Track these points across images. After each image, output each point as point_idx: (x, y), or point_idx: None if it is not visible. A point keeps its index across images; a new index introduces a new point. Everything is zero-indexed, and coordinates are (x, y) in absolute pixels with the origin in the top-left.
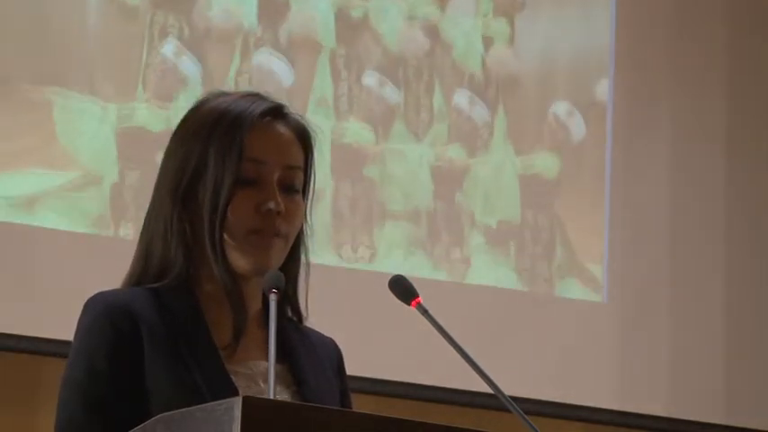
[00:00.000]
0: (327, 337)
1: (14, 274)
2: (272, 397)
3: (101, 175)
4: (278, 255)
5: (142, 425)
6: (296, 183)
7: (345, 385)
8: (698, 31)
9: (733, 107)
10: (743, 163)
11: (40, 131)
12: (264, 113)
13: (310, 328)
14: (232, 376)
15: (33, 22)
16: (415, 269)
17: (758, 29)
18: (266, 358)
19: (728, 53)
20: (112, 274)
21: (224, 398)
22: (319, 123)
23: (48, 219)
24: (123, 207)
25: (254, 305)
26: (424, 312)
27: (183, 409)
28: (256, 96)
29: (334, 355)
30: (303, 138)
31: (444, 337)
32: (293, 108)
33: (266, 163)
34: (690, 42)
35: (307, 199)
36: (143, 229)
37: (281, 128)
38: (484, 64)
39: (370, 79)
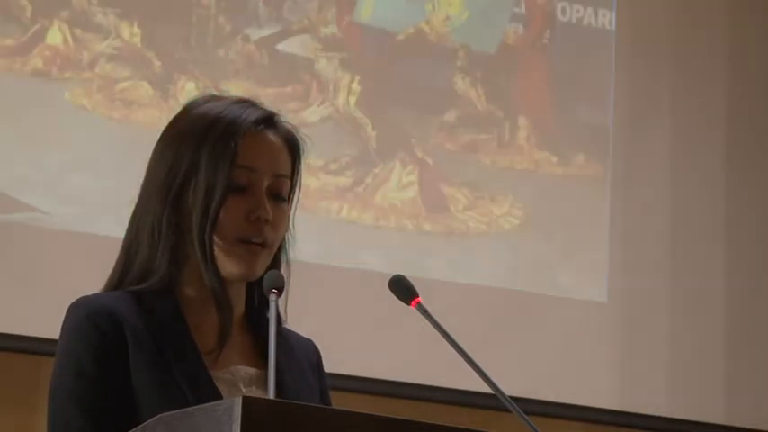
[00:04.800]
0: (306, 338)
1: (14, 274)
2: (271, 397)
3: None
4: (263, 263)
5: (142, 425)
6: (283, 191)
7: (325, 384)
8: (699, 10)
9: (733, 92)
10: (744, 161)
11: None
12: (258, 121)
13: (289, 330)
14: (215, 382)
15: None
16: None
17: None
18: (247, 363)
19: (730, 35)
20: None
21: None
22: None
23: None
24: None
25: (237, 310)
26: (424, 312)
27: (183, 410)
28: (248, 103)
29: (313, 355)
30: (292, 147)
31: (444, 337)
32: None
33: (257, 171)
34: (691, 25)
35: (291, 207)
36: (128, 230)
37: (273, 136)
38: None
39: None
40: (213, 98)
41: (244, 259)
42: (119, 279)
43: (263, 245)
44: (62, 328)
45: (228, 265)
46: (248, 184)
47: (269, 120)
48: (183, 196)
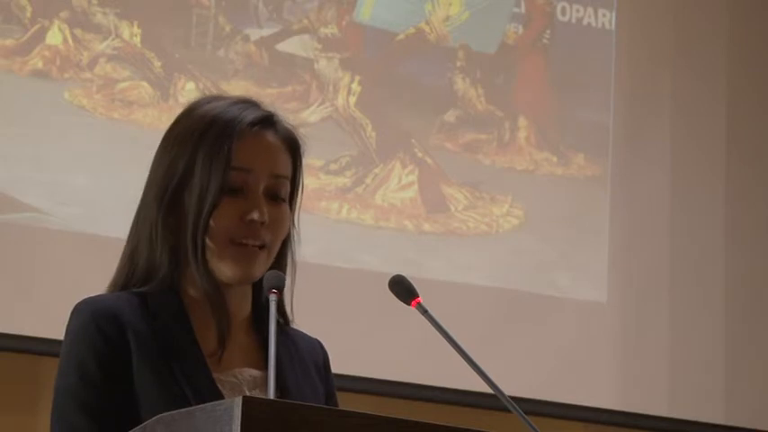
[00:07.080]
0: (313, 339)
1: (14, 274)
2: (272, 397)
3: None
4: (261, 265)
5: (142, 425)
6: (282, 192)
7: (331, 386)
8: (699, 10)
9: (734, 92)
10: (744, 161)
11: None
12: (254, 122)
13: (296, 330)
14: (218, 385)
15: None
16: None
17: None
18: (251, 365)
19: (730, 34)
20: (112, 274)
21: None
22: None
23: None
24: None
25: (242, 311)
26: (424, 312)
27: (184, 410)
28: (248, 103)
29: (319, 355)
30: (292, 147)
31: (444, 337)
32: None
33: (253, 171)
34: (691, 24)
35: (294, 207)
36: (130, 232)
37: (270, 137)
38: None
39: None
40: (215, 98)
41: (239, 262)
42: (124, 281)
43: (260, 246)
44: (66, 330)
45: (224, 268)
46: (244, 186)
47: (267, 120)
48: (181, 199)
